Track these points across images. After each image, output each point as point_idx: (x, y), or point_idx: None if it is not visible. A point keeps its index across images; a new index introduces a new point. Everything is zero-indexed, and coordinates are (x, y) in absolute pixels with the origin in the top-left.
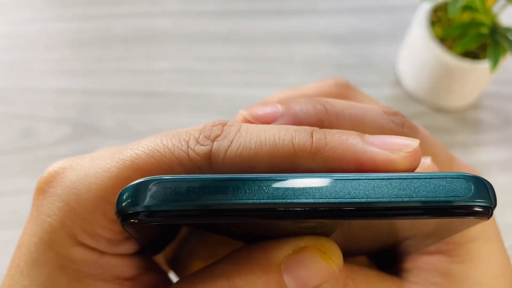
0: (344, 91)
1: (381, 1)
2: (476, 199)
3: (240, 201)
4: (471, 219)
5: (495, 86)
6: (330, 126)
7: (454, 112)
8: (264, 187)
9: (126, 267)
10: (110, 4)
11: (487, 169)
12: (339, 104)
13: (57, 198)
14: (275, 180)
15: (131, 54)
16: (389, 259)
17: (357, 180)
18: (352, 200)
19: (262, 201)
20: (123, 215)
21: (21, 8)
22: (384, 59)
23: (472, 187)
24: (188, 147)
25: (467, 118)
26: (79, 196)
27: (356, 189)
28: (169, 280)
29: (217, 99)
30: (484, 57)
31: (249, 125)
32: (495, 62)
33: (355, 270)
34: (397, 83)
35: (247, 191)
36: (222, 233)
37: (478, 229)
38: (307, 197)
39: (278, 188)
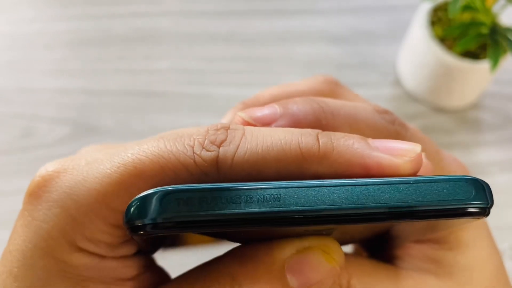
0: (334, 88)
1: (381, 1)
2: (477, 201)
3: (252, 210)
4: (470, 218)
5: (495, 86)
6: (328, 125)
7: (454, 112)
8: (277, 195)
9: (126, 268)
10: (110, 4)
11: (487, 169)
12: (333, 103)
13: (53, 204)
14: (289, 187)
15: (131, 54)
16: (379, 245)
17: (365, 186)
18: (364, 206)
19: (276, 209)
20: (133, 226)
21: (21, 7)
22: (384, 59)
23: (473, 189)
24: (194, 152)
25: (467, 118)
26: (77, 202)
27: (365, 195)
28: (167, 277)
29: (217, 99)
30: (484, 57)
31: (253, 128)
32: (495, 62)
33: (349, 259)
34: (397, 83)
35: (257, 199)
36: (226, 237)
37: None
38: (322, 204)
39: (292, 196)
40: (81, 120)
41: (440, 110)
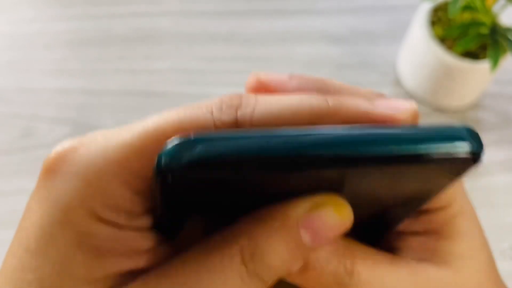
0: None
1: (381, 1)
2: (474, 145)
3: (283, 150)
4: (466, 165)
5: (495, 86)
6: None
7: (454, 112)
8: (305, 138)
9: (143, 240)
10: (110, 4)
11: (487, 169)
12: (334, 82)
13: (72, 176)
14: (317, 134)
15: (131, 54)
16: (375, 237)
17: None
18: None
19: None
20: (168, 169)
21: (21, 7)
22: (384, 59)
23: (469, 136)
24: (213, 116)
25: (467, 118)
26: (98, 172)
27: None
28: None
29: None
30: (484, 57)
31: (265, 95)
32: (495, 62)
33: (352, 241)
34: (397, 83)
35: (285, 142)
36: (235, 207)
37: (457, 207)
38: (346, 148)
39: (320, 138)
40: (81, 120)
41: (440, 110)
